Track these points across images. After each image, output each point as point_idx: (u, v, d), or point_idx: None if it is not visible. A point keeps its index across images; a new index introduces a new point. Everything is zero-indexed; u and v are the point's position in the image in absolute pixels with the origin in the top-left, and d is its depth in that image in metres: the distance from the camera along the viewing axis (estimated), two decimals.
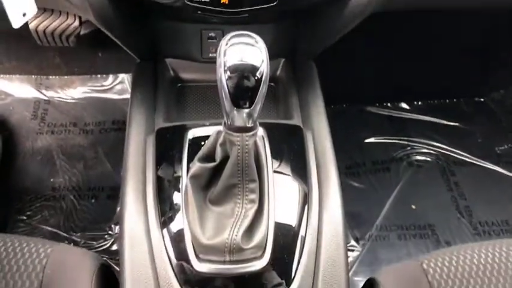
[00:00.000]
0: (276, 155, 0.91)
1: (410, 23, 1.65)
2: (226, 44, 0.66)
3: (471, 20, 1.71)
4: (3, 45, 1.89)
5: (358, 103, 1.94)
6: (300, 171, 0.93)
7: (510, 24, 1.77)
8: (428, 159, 1.81)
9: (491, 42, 1.89)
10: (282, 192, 0.88)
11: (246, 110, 0.69)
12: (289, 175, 0.92)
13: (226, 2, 0.83)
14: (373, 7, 0.96)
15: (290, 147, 0.96)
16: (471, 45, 1.87)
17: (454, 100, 2.02)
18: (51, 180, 1.67)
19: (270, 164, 0.87)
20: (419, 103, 1.98)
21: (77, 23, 1.61)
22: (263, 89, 0.68)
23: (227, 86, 0.66)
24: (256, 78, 0.66)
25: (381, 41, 1.74)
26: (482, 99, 2.03)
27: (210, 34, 1.05)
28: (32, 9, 0.87)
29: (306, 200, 0.89)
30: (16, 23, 0.83)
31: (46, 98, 1.92)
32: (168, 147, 0.93)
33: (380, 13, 1.01)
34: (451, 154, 1.83)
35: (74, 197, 1.63)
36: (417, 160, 1.81)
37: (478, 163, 1.81)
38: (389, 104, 1.95)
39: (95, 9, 0.89)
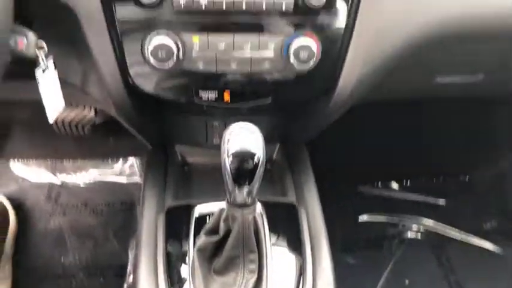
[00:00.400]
0: (273, 230, 1.04)
1: (397, 107, 1.81)
2: (229, 134, 0.81)
3: (455, 103, 1.87)
4: (23, 134, 2.06)
5: (351, 182, 2.07)
6: (295, 246, 1.05)
7: (492, 107, 1.92)
8: (419, 236, 1.90)
9: (475, 123, 2.03)
10: (279, 265, 0.99)
11: (246, 189, 0.81)
12: (285, 249, 1.05)
13: (229, 100, 0.99)
14: (355, 100, 1.11)
15: (286, 223, 1.09)
16: (456, 126, 2.01)
17: (442, 178, 2.14)
18: (62, 259, 1.76)
19: (268, 238, 0.99)
20: (409, 182, 2.10)
21: (92, 113, 1.78)
22: (260, 171, 0.81)
23: (230, 168, 0.79)
24: (254, 162, 0.79)
25: (371, 125, 1.89)
26: (468, 178, 2.15)
27: (214, 124, 1.21)
28: (62, 105, 1.03)
29: (300, 272, 1.00)
30: (51, 118, 0.99)
31: (60, 182, 2.06)
32: (177, 224, 1.05)
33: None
34: (441, 231, 1.92)
35: (83, 275, 1.70)
36: (409, 237, 1.90)
37: (467, 239, 1.89)
38: (379, 183, 2.08)
39: (116, 104, 1.04)
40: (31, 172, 2.08)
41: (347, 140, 1.91)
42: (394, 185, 2.10)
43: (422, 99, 1.57)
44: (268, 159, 1.25)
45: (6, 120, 1.85)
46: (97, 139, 2.06)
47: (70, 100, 1.03)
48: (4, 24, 0.68)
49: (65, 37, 0.95)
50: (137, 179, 2.04)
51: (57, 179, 2.07)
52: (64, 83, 1.00)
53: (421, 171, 2.13)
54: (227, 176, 0.81)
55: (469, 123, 2.02)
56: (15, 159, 2.09)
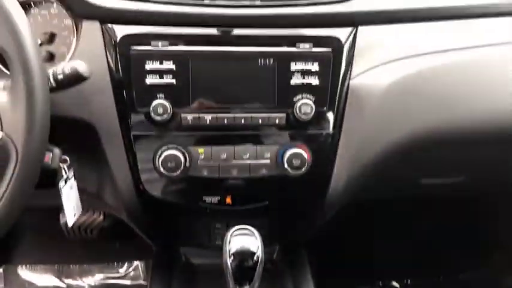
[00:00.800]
0: None
1: (393, 206, 1.89)
2: (230, 235, 0.90)
3: (450, 203, 1.93)
4: (32, 240, 2.12)
5: (351, 281, 2.07)
6: None
7: (487, 206, 1.99)
8: None
9: (471, 223, 2.09)
10: None
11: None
12: None
13: (230, 202, 1.09)
14: (347, 200, 1.20)
15: None
16: (453, 226, 2.06)
17: (440, 277, 2.15)
18: None
19: None
20: (409, 281, 2.11)
21: (101, 217, 1.87)
22: (260, 269, 0.88)
23: (231, 267, 0.87)
24: (254, 260, 0.87)
25: (368, 224, 1.96)
26: (466, 277, 2.15)
27: (216, 226, 1.30)
28: (79, 211, 1.13)
29: None
30: (70, 221, 1.08)
31: (65, 286, 2.08)
32: None
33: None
34: None
35: None
36: None
37: None
38: (380, 283, 2.09)
39: (128, 208, 1.14)
40: (38, 277, 2.11)
41: (346, 239, 1.96)
42: (395, 284, 2.11)
43: (413, 199, 1.66)
44: (269, 260, 1.31)
45: (17, 227, 1.93)
46: (104, 243, 2.12)
47: (85, 205, 1.13)
48: (43, 146, 0.81)
49: (85, 150, 1.08)
50: (142, 282, 2.07)
51: (63, 283, 2.10)
52: (81, 190, 1.11)
53: (422, 270, 2.14)
54: (229, 276, 0.88)
55: (467, 223, 2.07)
56: (23, 266, 2.13)
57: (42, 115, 0.77)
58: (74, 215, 1.10)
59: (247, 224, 0.98)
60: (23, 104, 0.75)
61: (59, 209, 1.75)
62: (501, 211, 1.89)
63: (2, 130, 0.76)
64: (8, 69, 1.07)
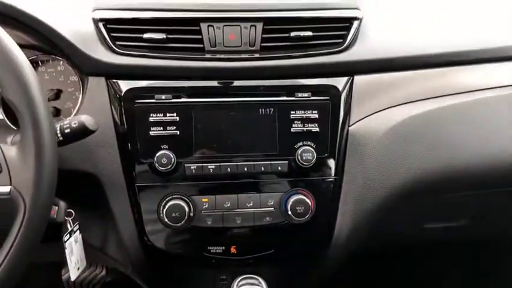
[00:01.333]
0: None
1: (404, 255, 1.85)
2: (237, 286, 0.89)
3: (455, 251, 1.91)
4: None
5: None
6: None
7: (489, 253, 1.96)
8: None
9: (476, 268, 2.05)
10: None
11: None
12: None
13: (235, 252, 1.09)
14: (352, 248, 1.19)
15: None
16: (454, 275, 2.03)
17: None
18: None
19: None
20: None
21: (103, 272, 1.84)
22: None
23: None
24: None
25: (382, 273, 1.92)
26: None
27: (222, 277, 1.28)
28: (83, 265, 1.12)
29: None
30: (74, 275, 1.07)
31: None
32: None
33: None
34: None
35: None
36: None
37: None
38: None
39: (133, 261, 1.13)
40: None
41: None
42: None
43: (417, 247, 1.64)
44: None
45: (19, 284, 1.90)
46: None
47: (88, 259, 1.13)
48: (51, 200, 0.82)
49: (88, 202, 1.09)
50: None
51: None
52: (85, 243, 1.10)
53: None
54: None
55: (471, 268, 2.03)
56: None
57: (50, 170, 0.79)
58: (78, 269, 1.09)
59: (253, 274, 0.97)
60: (32, 158, 0.77)
61: (60, 263, 1.76)
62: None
63: (10, 184, 0.78)
64: (14, 124, 1.11)
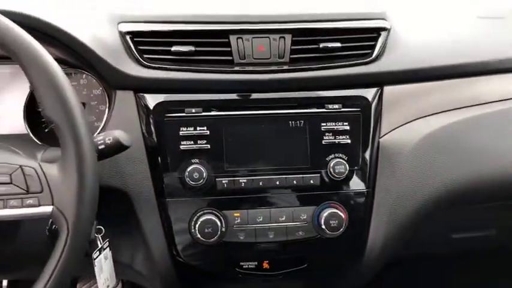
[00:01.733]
0: None
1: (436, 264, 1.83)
2: None
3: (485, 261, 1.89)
4: None
5: None
6: None
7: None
8: None
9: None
10: None
11: None
12: None
13: (268, 267, 1.07)
14: (386, 259, 1.17)
15: None
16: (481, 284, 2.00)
17: None
18: None
19: None
20: None
21: (119, 286, 1.82)
22: None
23: None
24: None
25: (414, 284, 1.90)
26: None
27: None
28: (113, 282, 1.10)
29: None
30: None
31: None
32: None
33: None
34: None
35: None
36: None
37: None
38: None
39: (162, 277, 1.10)
40: None
41: None
42: None
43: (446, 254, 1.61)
44: None
45: None
46: None
47: (117, 276, 1.10)
48: (93, 217, 0.80)
49: (117, 218, 1.07)
50: None
51: None
52: (114, 260, 1.08)
53: None
54: None
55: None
56: None
57: (92, 187, 0.77)
58: (108, 287, 1.06)
59: None
60: (74, 176, 0.75)
61: (76, 279, 1.73)
62: None
63: (53, 204, 0.76)
64: (39, 139, 1.09)
